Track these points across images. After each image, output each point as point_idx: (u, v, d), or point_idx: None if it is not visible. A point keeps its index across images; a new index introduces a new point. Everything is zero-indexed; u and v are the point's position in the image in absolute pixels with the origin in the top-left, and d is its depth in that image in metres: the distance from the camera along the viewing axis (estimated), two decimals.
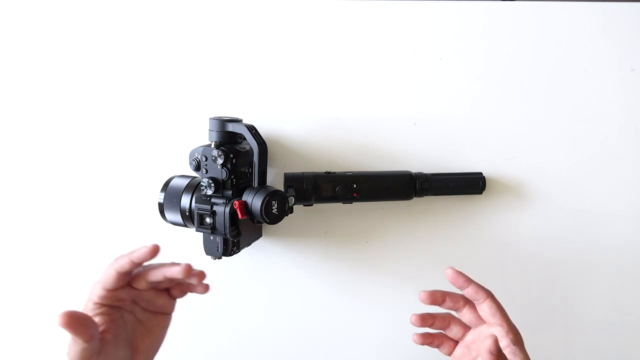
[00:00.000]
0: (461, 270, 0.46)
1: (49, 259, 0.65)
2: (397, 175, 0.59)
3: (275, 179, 0.62)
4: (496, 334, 0.42)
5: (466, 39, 0.60)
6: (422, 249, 0.64)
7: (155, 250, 0.42)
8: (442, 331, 0.48)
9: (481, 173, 0.61)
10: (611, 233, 0.63)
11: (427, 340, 0.47)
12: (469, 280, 0.45)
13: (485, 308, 0.45)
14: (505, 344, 0.43)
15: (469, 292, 0.45)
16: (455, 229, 0.63)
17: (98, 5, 0.60)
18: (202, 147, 0.52)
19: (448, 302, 0.46)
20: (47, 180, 0.63)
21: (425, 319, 0.47)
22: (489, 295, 0.45)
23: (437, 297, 0.46)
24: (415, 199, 0.60)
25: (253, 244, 0.60)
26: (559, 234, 0.63)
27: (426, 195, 0.60)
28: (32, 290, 0.65)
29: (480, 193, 0.61)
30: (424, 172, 0.60)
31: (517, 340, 0.43)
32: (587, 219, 0.63)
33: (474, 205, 0.63)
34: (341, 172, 0.58)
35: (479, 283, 0.46)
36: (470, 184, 0.60)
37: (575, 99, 0.61)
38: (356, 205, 0.62)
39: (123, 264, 0.42)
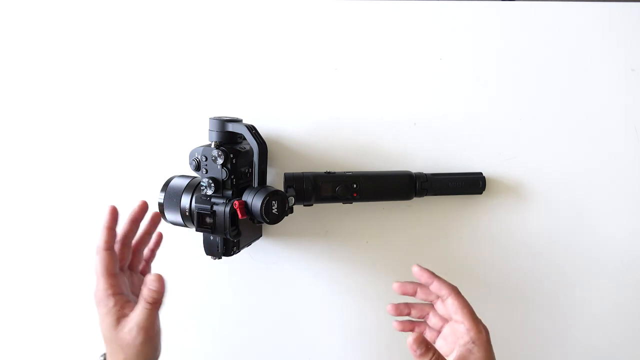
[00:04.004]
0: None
1: (50, 259, 0.65)
2: (397, 175, 0.59)
3: (275, 179, 0.62)
4: (459, 330, 0.45)
5: (466, 39, 0.60)
6: (422, 249, 0.63)
7: (144, 206, 0.49)
8: (423, 320, 0.51)
9: (481, 173, 0.61)
10: (611, 233, 0.63)
11: (407, 327, 0.50)
12: (433, 277, 0.48)
13: (448, 304, 0.46)
14: (463, 341, 0.44)
15: (433, 287, 0.47)
16: (455, 229, 0.63)
17: (98, 5, 0.60)
18: (202, 147, 0.52)
19: (420, 294, 0.49)
20: (48, 181, 0.63)
21: (400, 308, 0.50)
22: (452, 292, 0.46)
23: (407, 289, 0.49)
24: (415, 199, 0.60)
25: (253, 244, 0.60)
26: (558, 233, 0.63)
27: (426, 195, 0.59)
28: (32, 289, 0.65)
29: (480, 193, 0.61)
30: (424, 172, 0.60)
31: (477, 339, 0.44)
32: (587, 219, 0.63)
33: (474, 205, 0.63)
34: (341, 172, 0.58)
35: (444, 280, 0.48)
36: (470, 184, 0.60)
37: (575, 99, 0.61)
38: (356, 205, 0.62)
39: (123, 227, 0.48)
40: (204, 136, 0.55)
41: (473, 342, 0.43)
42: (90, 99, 0.62)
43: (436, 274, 0.49)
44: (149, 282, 0.44)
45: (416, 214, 0.63)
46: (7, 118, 0.63)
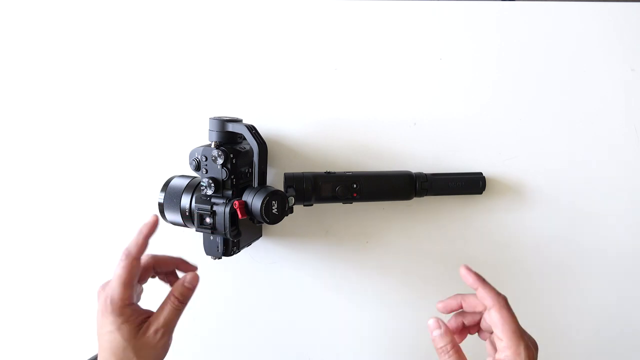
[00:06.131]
0: (458, 269, 0.45)
1: (50, 259, 0.65)
2: (397, 175, 0.59)
3: (275, 179, 0.62)
4: (500, 344, 0.41)
5: (466, 39, 0.60)
6: (422, 249, 0.63)
7: (155, 222, 0.46)
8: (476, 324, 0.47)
9: (481, 173, 0.61)
10: (611, 233, 0.63)
11: (454, 306, 0.46)
12: (478, 282, 0.43)
13: (491, 316, 0.42)
14: (499, 357, 0.40)
15: (478, 294, 0.43)
16: (455, 229, 0.63)
17: (98, 5, 0.60)
18: (202, 147, 0.52)
19: (465, 305, 0.45)
20: (48, 181, 0.63)
21: (449, 305, 0.45)
22: (496, 304, 0.41)
23: (452, 305, 0.45)
24: (415, 199, 0.60)
25: (253, 244, 0.60)
26: (558, 234, 0.63)
27: (426, 195, 0.59)
28: (32, 290, 0.65)
29: (480, 193, 0.61)
30: (424, 172, 0.60)
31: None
32: (587, 219, 0.63)
33: (474, 205, 0.63)
34: (341, 172, 0.58)
35: (491, 287, 0.43)
36: (470, 184, 0.60)
37: (575, 99, 0.61)
38: (356, 205, 0.62)
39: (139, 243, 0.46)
40: (204, 136, 0.55)
41: None
42: (90, 100, 0.62)
43: (486, 280, 0.44)
44: (188, 280, 0.47)
45: (416, 214, 0.63)
46: (8, 119, 0.63)
